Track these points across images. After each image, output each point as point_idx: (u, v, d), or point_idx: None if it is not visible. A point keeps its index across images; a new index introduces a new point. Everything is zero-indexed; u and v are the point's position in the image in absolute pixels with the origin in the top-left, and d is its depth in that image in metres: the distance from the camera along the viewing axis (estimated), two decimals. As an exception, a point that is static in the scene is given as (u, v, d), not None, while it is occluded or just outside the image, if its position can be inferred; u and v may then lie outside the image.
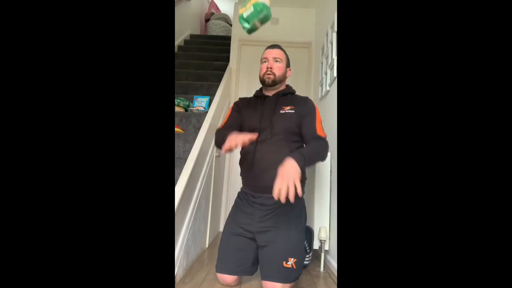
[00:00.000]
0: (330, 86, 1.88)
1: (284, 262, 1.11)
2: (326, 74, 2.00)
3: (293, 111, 1.25)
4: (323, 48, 2.21)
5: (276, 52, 1.32)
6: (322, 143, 1.20)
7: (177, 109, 2.09)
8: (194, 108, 2.14)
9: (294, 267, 1.12)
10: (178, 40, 3.71)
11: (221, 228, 1.88)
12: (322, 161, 1.22)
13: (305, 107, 1.27)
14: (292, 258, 1.13)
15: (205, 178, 1.68)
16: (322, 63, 2.19)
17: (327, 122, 1.91)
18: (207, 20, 4.82)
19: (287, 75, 1.36)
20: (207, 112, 1.98)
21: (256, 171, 1.22)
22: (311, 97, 2.77)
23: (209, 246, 1.88)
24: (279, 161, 1.03)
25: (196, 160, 1.40)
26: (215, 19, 4.61)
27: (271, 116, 1.26)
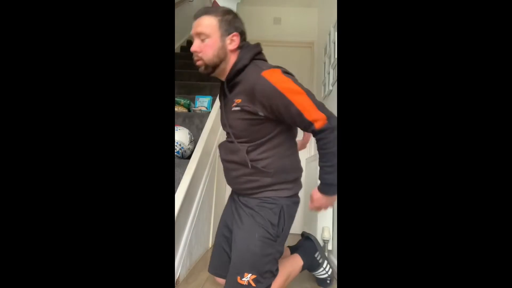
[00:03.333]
0: (332, 85, 1.87)
1: (238, 277, 0.86)
2: (328, 73, 1.99)
3: (244, 106, 0.89)
4: (325, 48, 2.21)
5: (198, 25, 0.89)
6: (323, 139, 0.85)
7: (179, 109, 2.09)
8: (197, 109, 2.15)
9: (253, 285, 0.85)
10: (181, 41, 3.71)
11: (224, 228, 1.88)
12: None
13: (260, 95, 0.85)
14: (250, 274, 0.85)
15: (208, 178, 1.69)
16: (324, 63, 2.19)
17: (330, 121, 1.90)
18: (209, 21, 4.82)
19: (228, 47, 0.90)
20: (209, 112, 1.98)
21: (227, 177, 1.03)
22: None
23: (212, 246, 1.89)
24: (248, 173, 0.91)
25: (199, 160, 1.41)
26: (218, 20, 4.60)
27: (227, 113, 0.96)
